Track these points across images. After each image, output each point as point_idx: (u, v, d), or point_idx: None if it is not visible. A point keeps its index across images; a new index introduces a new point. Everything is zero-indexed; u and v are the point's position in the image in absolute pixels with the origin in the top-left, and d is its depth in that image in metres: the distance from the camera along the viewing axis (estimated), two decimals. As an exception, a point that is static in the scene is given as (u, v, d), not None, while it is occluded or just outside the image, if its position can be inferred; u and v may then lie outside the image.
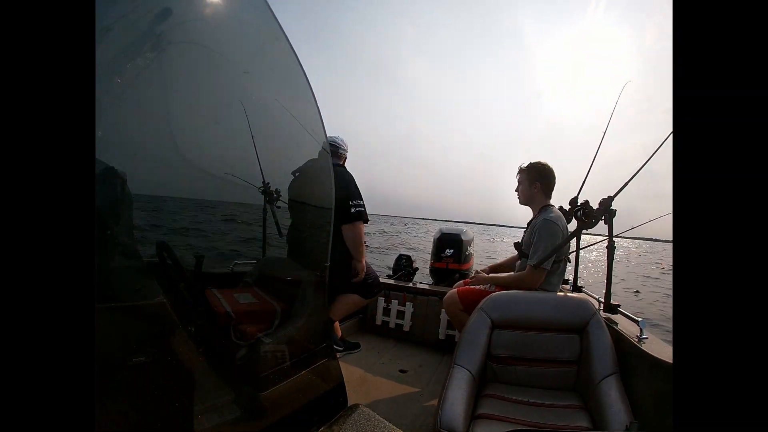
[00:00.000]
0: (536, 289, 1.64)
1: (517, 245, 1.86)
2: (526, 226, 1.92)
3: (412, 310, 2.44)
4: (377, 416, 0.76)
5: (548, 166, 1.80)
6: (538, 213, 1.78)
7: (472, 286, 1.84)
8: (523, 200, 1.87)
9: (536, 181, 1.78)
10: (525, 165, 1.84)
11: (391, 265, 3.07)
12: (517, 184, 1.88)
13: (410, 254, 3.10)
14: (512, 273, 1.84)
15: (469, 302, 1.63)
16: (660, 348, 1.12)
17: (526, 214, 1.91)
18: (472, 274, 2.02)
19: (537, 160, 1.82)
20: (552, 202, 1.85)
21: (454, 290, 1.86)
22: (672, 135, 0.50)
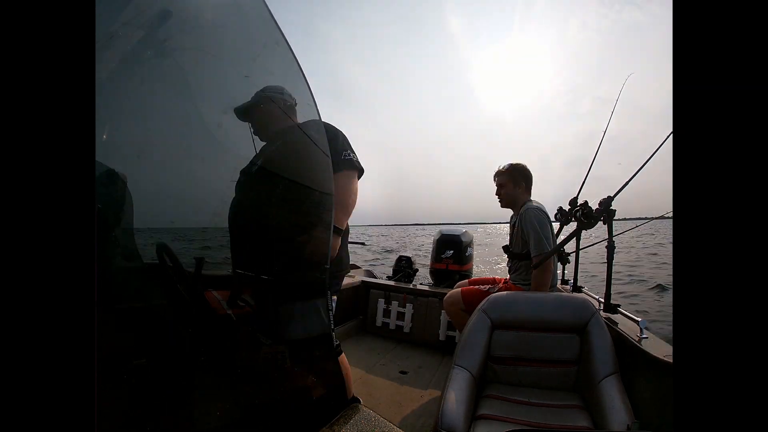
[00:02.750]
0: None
1: (506, 248, 1.85)
2: (510, 228, 1.91)
3: (412, 311, 2.44)
4: (378, 416, 0.76)
5: (527, 167, 1.81)
6: (519, 210, 1.78)
7: (475, 287, 1.83)
8: (507, 202, 1.83)
9: (521, 182, 1.78)
10: (504, 167, 1.81)
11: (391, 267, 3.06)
12: (497, 188, 1.84)
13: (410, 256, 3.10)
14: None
15: (472, 302, 1.63)
16: (660, 348, 1.12)
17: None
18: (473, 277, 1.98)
19: (516, 162, 1.81)
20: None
21: (456, 290, 1.86)
22: (672, 134, 0.50)
